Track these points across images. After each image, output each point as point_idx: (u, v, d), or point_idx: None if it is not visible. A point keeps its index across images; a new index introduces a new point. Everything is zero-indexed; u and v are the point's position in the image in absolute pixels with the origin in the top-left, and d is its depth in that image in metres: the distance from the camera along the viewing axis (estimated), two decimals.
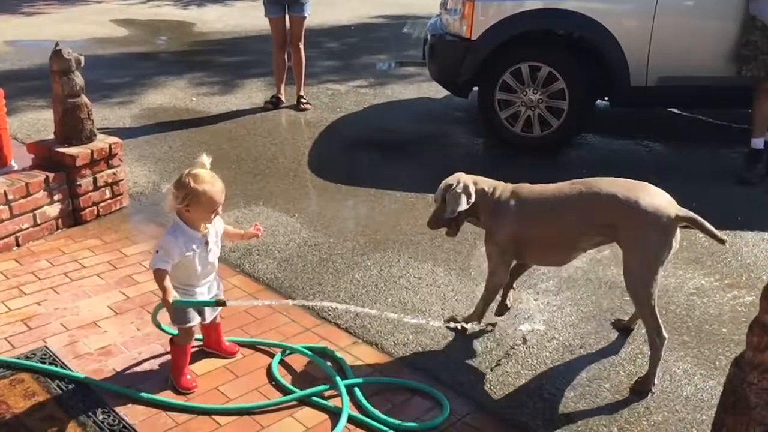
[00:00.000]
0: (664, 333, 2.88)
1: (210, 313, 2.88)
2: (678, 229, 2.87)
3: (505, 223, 3.03)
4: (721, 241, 2.87)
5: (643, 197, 2.83)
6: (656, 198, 2.86)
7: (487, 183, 3.13)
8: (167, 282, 2.61)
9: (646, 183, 2.96)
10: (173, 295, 2.60)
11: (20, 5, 12.67)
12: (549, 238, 3.04)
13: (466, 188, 3.07)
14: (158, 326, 2.89)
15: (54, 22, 11.23)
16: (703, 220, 2.84)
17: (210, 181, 2.63)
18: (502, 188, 3.11)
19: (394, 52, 9.38)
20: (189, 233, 2.68)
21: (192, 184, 2.59)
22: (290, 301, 2.94)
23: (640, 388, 2.89)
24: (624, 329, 3.30)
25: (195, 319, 2.80)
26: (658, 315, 2.87)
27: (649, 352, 2.90)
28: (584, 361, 3.07)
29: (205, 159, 2.69)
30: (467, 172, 3.19)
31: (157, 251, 2.62)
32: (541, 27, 5.45)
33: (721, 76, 5.27)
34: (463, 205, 3.06)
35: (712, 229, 2.83)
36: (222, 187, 2.68)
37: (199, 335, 3.00)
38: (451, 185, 3.10)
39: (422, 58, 6.55)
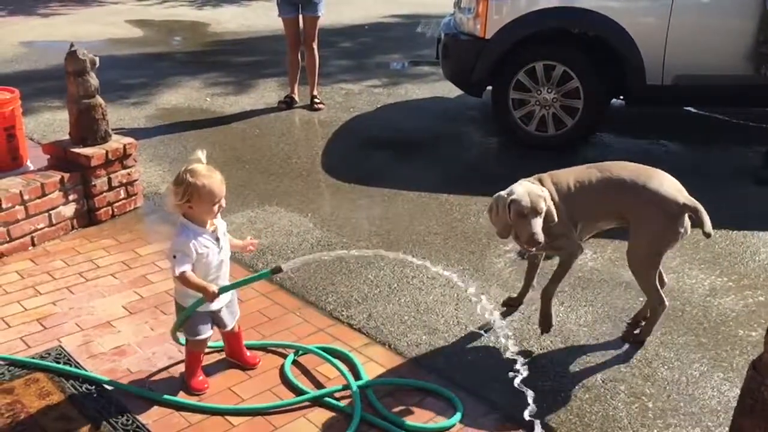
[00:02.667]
0: (666, 302, 3.12)
1: (230, 320, 2.87)
2: (686, 217, 2.99)
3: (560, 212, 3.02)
4: (707, 235, 2.96)
5: (651, 183, 2.97)
6: (665, 184, 2.99)
7: (536, 180, 3.10)
8: (198, 279, 2.64)
9: (658, 169, 3.09)
10: (213, 287, 2.63)
11: (36, 6, 12.77)
12: (574, 223, 3.10)
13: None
14: (177, 341, 2.88)
15: (70, 22, 11.30)
16: (704, 213, 2.95)
17: (207, 174, 2.62)
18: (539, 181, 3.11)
19: (408, 52, 9.36)
20: (198, 230, 2.67)
21: (190, 179, 2.58)
22: (369, 251, 2.83)
23: (636, 339, 3.18)
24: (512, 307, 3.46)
25: (207, 332, 2.80)
26: (659, 287, 3.10)
27: (649, 315, 3.16)
28: (599, 362, 3.05)
29: (201, 154, 2.67)
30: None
31: (174, 256, 2.61)
32: (556, 25, 5.41)
33: (739, 75, 5.21)
34: None
35: (707, 221, 2.94)
36: (221, 179, 2.66)
37: (218, 342, 3.02)
38: (541, 196, 2.94)
39: (436, 57, 6.53)
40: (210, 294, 2.63)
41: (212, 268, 2.72)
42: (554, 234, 3.01)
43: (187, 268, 2.61)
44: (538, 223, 2.88)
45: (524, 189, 2.94)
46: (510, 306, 3.45)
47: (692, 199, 2.97)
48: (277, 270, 2.72)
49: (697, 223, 2.97)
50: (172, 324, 3.22)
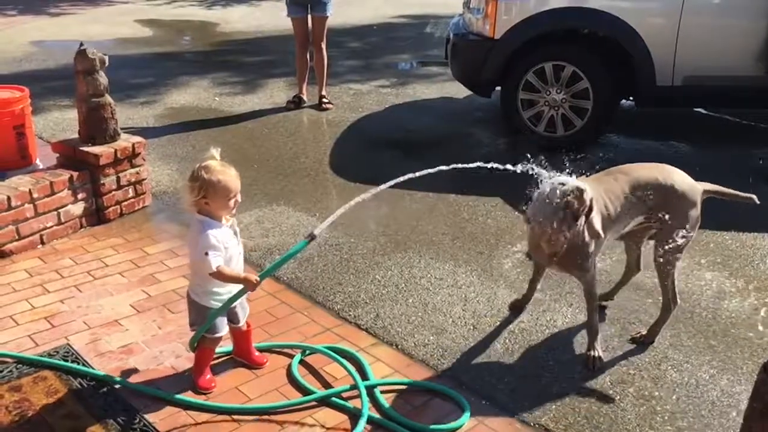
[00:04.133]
0: (678, 300, 3.16)
1: (242, 315, 2.91)
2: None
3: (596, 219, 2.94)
4: (750, 199, 3.14)
5: (676, 176, 3.08)
6: (686, 177, 3.11)
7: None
8: (234, 271, 2.70)
9: (665, 164, 3.17)
10: (253, 276, 2.68)
11: (46, 6, 12.82)
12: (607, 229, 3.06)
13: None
14: (193, 349, 2.88)
15: (79, 22, 11.34)
16: (726, 188, 3.14)
17: (221, 170, 2.65)
18: None
19: (417, 52, 9.35)
20: (217, 225, 2.69)
21: (204, 175, 2.62)
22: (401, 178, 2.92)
23: (644, 340, 3.16)
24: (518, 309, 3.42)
25: (224, 329, 2.83)
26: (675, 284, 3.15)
27: (660, 314, 3.17)
28: (608, 364, 3.03)
29: (214, 151, 2.71)
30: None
31: (206, 253, 2.61)
32: (565, 26, 5.39)
33: (749, 76, 5.18)
34: None
35: (738, 192, 3.14)
36: (235, 174, 2.69)
37: (224, 348, 3.01)
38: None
39: (444, 57, 6.52)
40: (252, 283, 2.68)
41: (233, 263, 2.75)
42: (580, 248, 2.89)
43: (221, 262, 2.64)
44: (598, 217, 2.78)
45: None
46: (516, 308, 3.42)
47: (706, 183, 3.14)
48: (312, 237, 2.76)
49: (731, 201, 3.16)
50: (179, 322, 3.24)
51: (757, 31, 5.09)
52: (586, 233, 2.84)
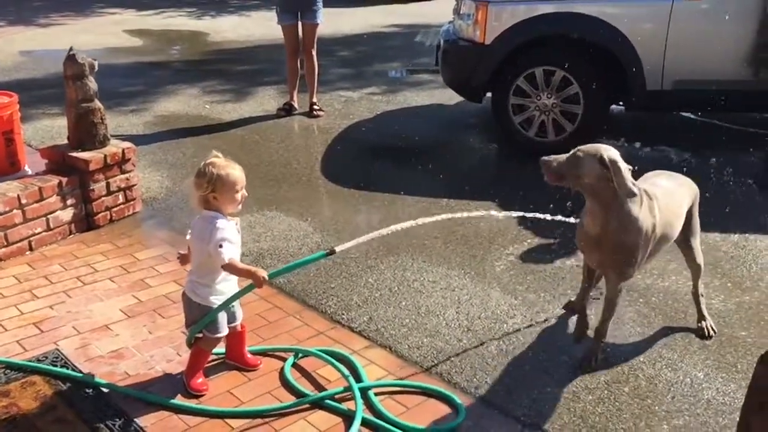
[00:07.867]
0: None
1: (239, 314, 2.90)
2: None
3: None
4: None
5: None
6: None
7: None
8: (245, 265, 2.70)
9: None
10: (262, 272, 2.62)
11: (36, 16, 12.77)
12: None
13: None
14: (191, 344, 2.84)
15: (69, 32, 11.29)
16: None
17: (227, 164, 2.71)
18: None
19: (407, 60, 9.36)
20: (226, 219, 2.71)
21: (212, 169, 2.66)
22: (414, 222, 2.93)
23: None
24: (571, 310, 3.38)
25: (225, 330, 2.81)
26: None
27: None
28: (603, 364, 3.01)
29: (216, 152, 2.76)
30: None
31: (220, 246, 2.60)
32: (555, 31, 5.41)
33: (739, 80, 5.21)
34: None
35: None
36: (241, 168, 2.74)
37: (220, 350, 2.98)
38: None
39: (435, 63, 6.53)
40: (259, 279, 2.62)
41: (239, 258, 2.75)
42: (630, 250, 2.83)
43: (234, 254, 2.65)
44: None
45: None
46: (569, 308, 3.37)
47: None
48: (332, 252, 2.79)
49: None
50: (170, 327, 3.22)
51: (746, 36, 5.12)
52: (641, 237, 2.81)
